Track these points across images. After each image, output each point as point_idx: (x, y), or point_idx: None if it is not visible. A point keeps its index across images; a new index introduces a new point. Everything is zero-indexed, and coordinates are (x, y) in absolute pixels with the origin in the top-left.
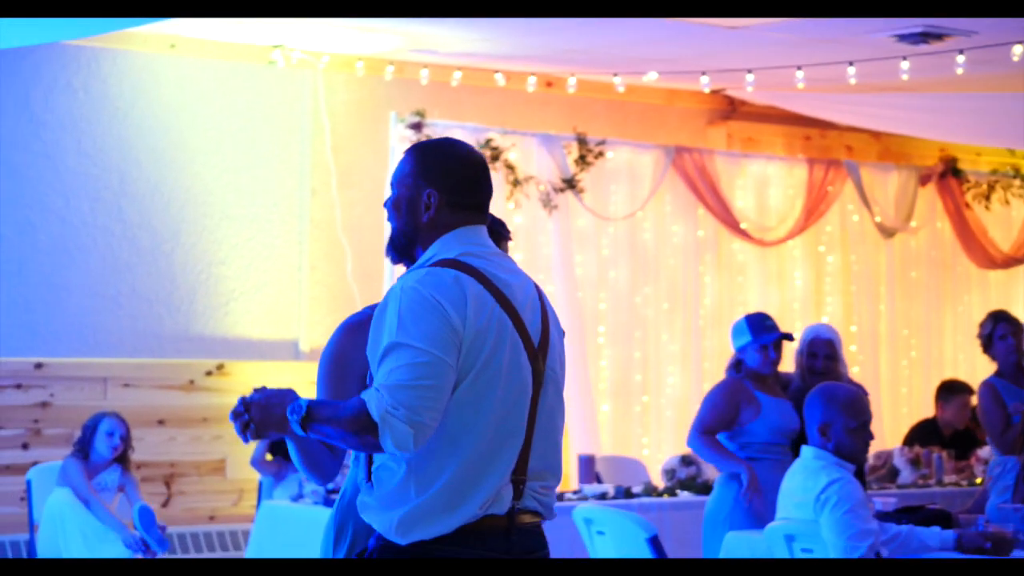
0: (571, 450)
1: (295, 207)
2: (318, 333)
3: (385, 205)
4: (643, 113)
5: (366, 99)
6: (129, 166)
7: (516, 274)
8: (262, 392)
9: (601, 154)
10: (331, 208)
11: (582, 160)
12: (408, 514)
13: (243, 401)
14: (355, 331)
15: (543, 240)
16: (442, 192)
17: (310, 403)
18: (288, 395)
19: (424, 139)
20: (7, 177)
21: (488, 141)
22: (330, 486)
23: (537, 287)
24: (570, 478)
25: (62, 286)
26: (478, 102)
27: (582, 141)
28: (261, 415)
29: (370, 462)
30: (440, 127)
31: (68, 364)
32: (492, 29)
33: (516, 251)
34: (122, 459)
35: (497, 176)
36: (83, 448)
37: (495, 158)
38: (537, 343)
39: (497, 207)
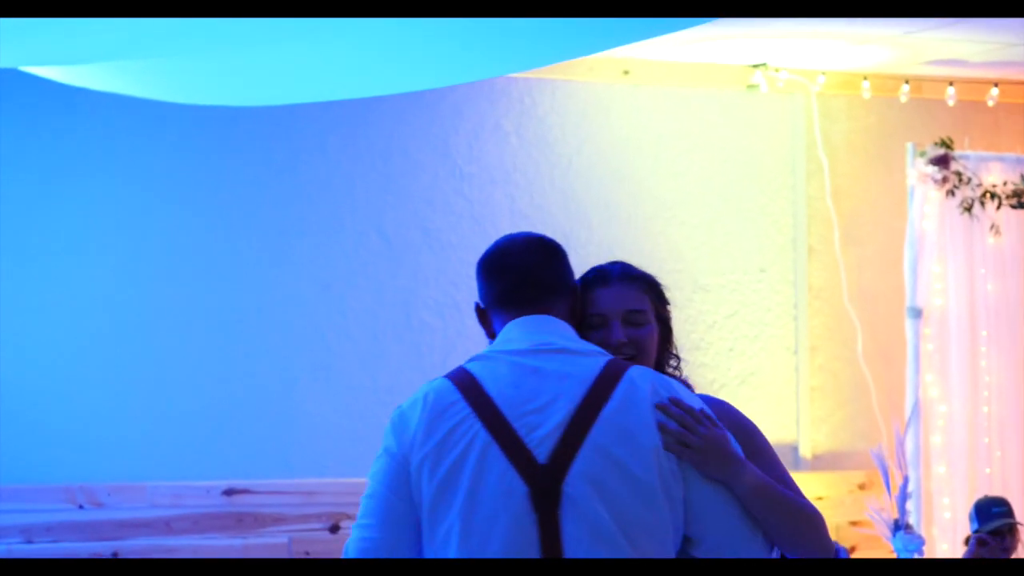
0: None
1: (788, 272)
2: (823, 433)
3: None
4: None
5: (874, 128)
6: (576, 227)
7: (553, 370)
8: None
9: None
10: (834, 271)
11: None
12: None
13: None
14: None
15: None
16: (481, 301)
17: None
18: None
19: (942, 176)
20: (428, 247)
21: None
22: None
23: (627, 382)
24: None
25: None
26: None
27: None
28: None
29: None
30: (972, 160)
31: None
32: None
33: None
34: None
35: None
36: None
37: None
38: (546, 457)
39: None
